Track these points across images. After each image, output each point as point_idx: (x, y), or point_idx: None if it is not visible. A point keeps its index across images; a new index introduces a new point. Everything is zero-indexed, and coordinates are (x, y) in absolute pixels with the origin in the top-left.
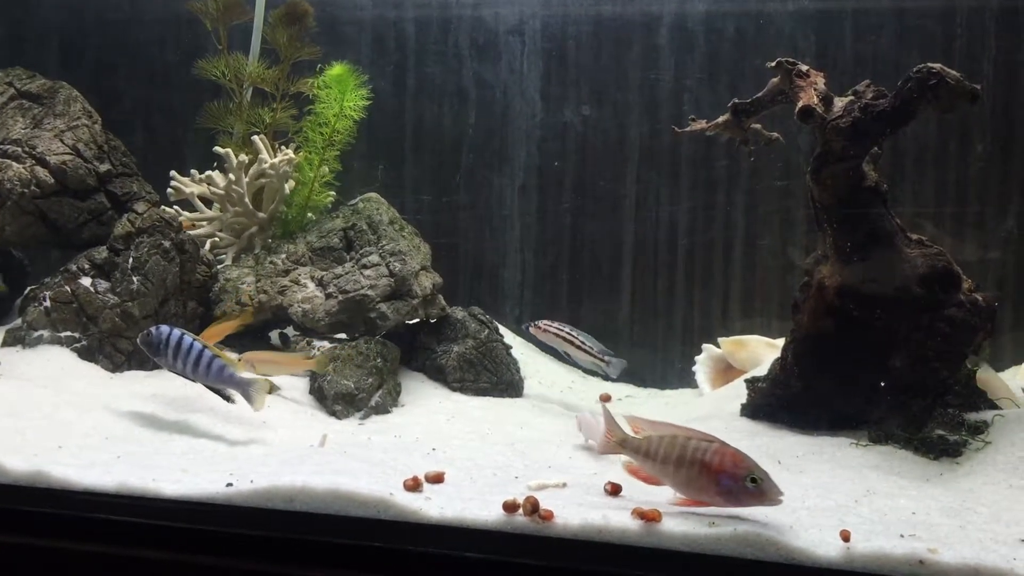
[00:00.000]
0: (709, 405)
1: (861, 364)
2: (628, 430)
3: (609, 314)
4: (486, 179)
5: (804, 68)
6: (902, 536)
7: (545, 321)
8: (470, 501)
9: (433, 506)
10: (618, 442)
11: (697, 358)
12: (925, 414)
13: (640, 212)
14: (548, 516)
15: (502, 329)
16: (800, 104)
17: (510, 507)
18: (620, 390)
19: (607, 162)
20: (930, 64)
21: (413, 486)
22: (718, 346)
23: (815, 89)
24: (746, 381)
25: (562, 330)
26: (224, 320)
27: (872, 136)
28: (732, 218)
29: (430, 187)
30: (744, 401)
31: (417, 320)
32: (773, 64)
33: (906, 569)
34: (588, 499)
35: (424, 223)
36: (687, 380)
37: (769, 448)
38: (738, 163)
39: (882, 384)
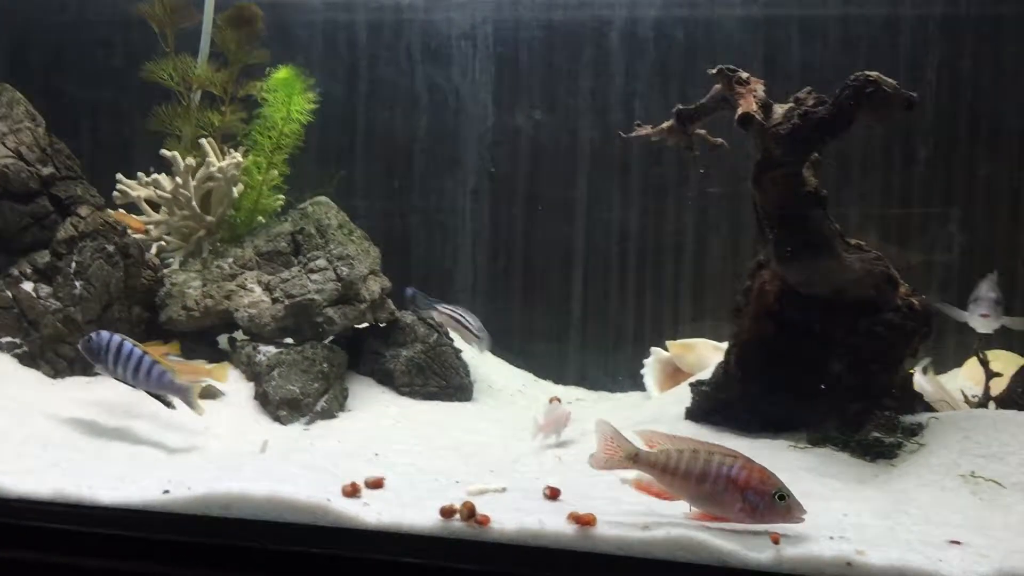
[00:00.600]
0: (655, 408)
1: (801, 367)
2: (641, 444)
3: (560, 317)
4: (438, 183)
5: (744, 75)
6: (831, 538)
7: (442, 304)
8: (408, 507)
9: (371, 512)
10: (628, 457)
11: (646, 361)
12: (862, 417)
13: (591, 216)
14: (484, 521)
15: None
16: (740, 111)
17: (447, 512)
18: (570, 393)
19: (559, 166)
20: (867, 72)
21: (351, 492)
22: (667, 349)
23: (755, 96)
24: (691, 384)
25: (455, 312)
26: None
27: (811, 143)
28: (683, 222)
29: (382, 191)
30: (689, 404)
31: (366, 325)
32: (714, 71)
33: (834, 571)
34: (526, 504)
35: (375, 227)
36: (636, 383)
37: None
38: (689, 168)
39: (821, 387)
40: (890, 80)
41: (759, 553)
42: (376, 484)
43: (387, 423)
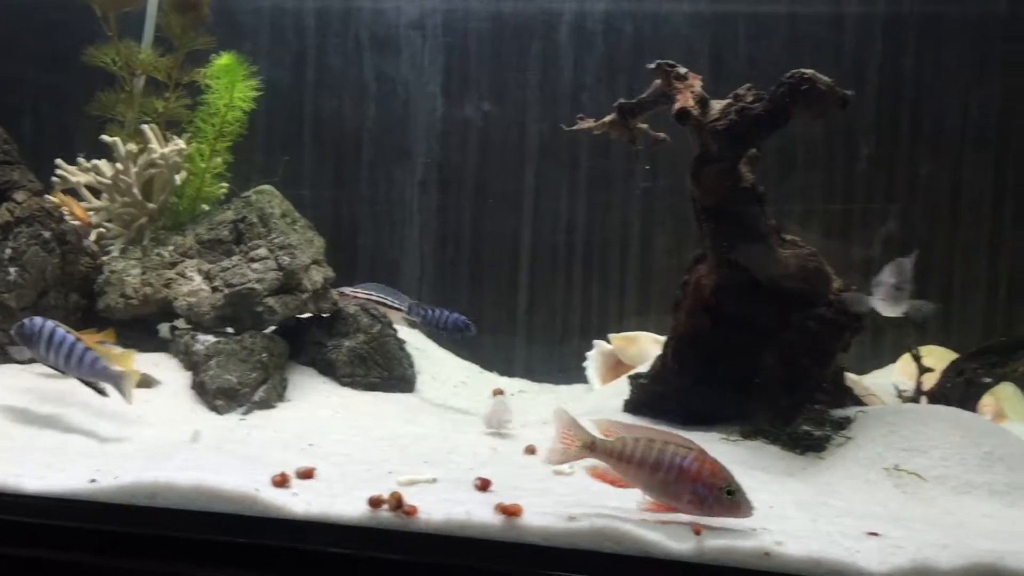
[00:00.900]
0: (595, 400)
1: (735, 361)
2: (597, 433)
3: (507, 309)
4: (386, 173)
5: (682, 71)
6: (753, 529)
7: (350, 287)
8: (337, 496)
9: (299, 502)
10: (584, 446)
11: (588, 354)
12: (793, 410)
13: (539, 208)
14: (412, 511)
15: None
16: (676, 106)
17: (375, 502)
18: (513, 385)
19: (507, 158)
20: (802, 70)
21: (281, 482)
22: (609, 342)
23: (692, 92)
24: (629, 377)
25: (370, 294)
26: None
27: (748, 139)
28: (629, 216)
29: (329, 180)
30: (627, 397)
31: (309, 315)
32: (653, 67)
33: (753, 561)
34: (456, 495)
35: (322, 216)
36: (581, 375)
37: None
38: (635, 161)
39: (754, 381)
40: (824, 78)
41: (681, 544)
42: (307, 474)
43: (325, 413)
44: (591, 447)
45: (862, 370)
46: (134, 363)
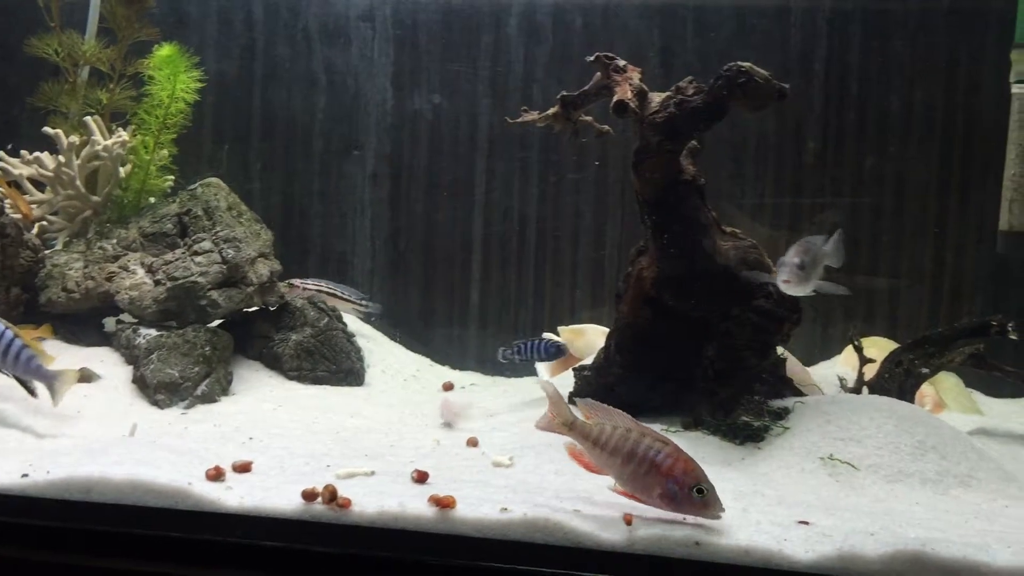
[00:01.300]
0: (541, 393)
1: (677, 353)
2: (578, 414)
3: (459, 303)
4: (336, 166)
5: (621, 63)
6: (684, 520)
7: (299, 279)
8: (272, 490)
9: (233, 495)
10: (564, 423)
11: None
12: (733, 401)
13: (490, 201)
14: (346, 504)
15: (350, 317)
16: (615, 98)
17: (309, 495)
18: (465, 378)
19: (458, 150)
20: (740, 63)
21: (215, 475)
22: (559, 335)
23: (630, 84)
24: (574, 369)
25: (320, 285)
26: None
27: (687, 131)
28: (581, 209)
29: (279, 173)
30: (572, 389)
31: (255, 308)
32: (592, 59)
33: (683, 551)
34: (393, 487)
35: (272, 210)
36: (532, 368)
37: None
38: (587, 155)
39: (694, 372)
40: (761, 71)
41: (612, 534)
42: (243, 468)
43: (268, 407)
44: (570, 426)
45: (810, 361)
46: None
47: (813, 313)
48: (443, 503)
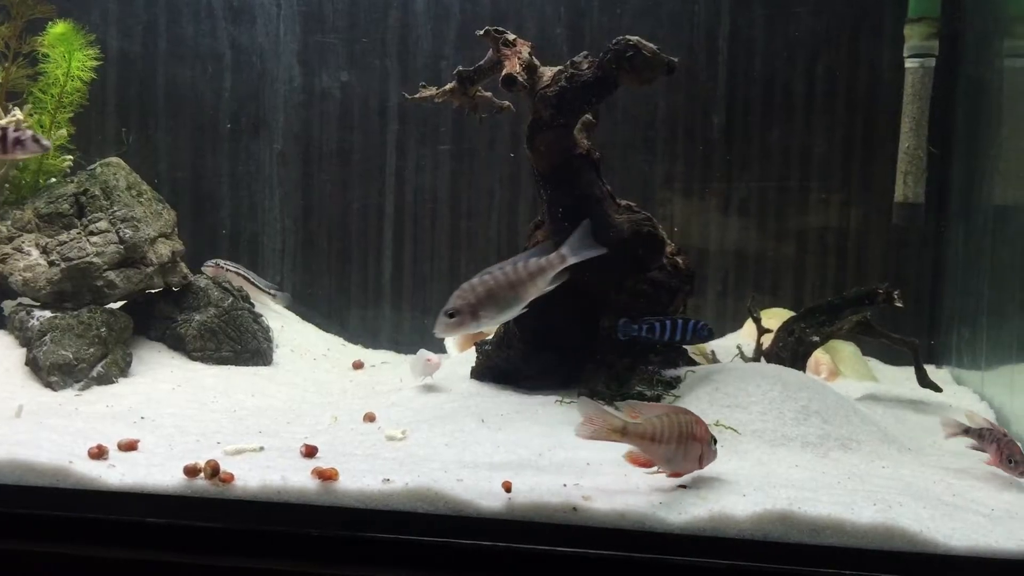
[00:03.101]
0: (447, 368)
1: (574, 325)
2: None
3: (372, 280)
4: (244, 145)
5: (511, 38)
6: (564, 485)
7: (224, 260)
8: (156, 467)
9: (115, 473)
10: (616, 431)
11: None
12: (628, 372)
13: (400, 178)
14: (228, 479)
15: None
16: (503, 72)
17: (191, 471)
18: (377, 356)
19: (367, 128)
20: (628, 36)
21: (97, 454)
22: None
23: (519, 58)
24: (476, 345)
25: (239, 269)
26: None
27: (578, 105)
28: (490, 185)
29: (187, 153)
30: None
31: (158, 289)
32: (481, 33)
33: (561, 516)
34: (280, 462)
35: (181, 190)
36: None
37: (479, 408)
38: (498, 131)
39: (591, 344)
40: (650, 44)
41: (492, 502)
42: (129, 446)
43: (166, 388)
44: (623, 431)
45: (721, 332)
46: None
47: (721, 287)
48: (325, 475)
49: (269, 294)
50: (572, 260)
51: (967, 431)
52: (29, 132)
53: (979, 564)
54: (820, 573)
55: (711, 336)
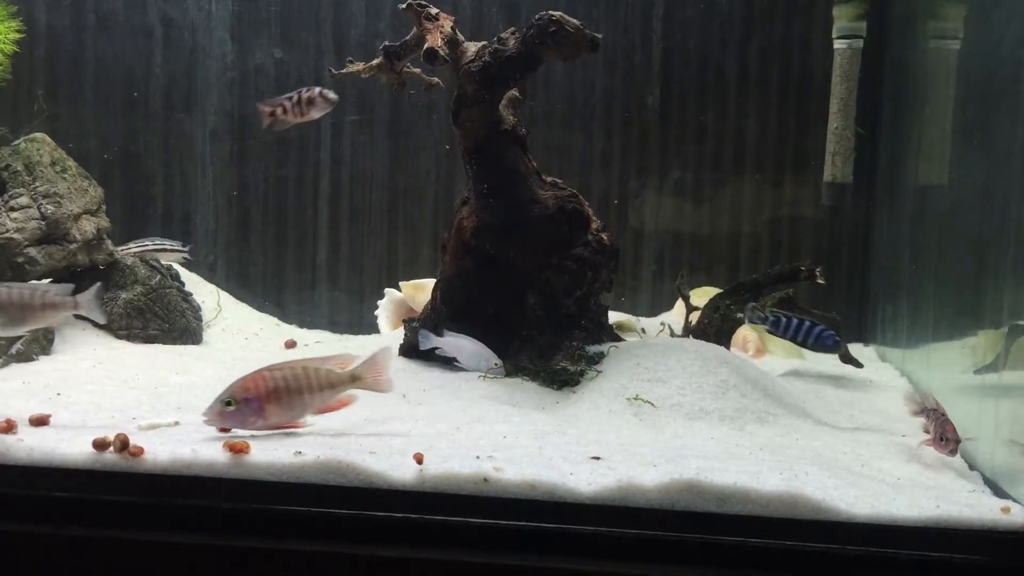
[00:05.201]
0: (376, 346)
1: (499, 302)
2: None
3: (307, 260)
4: (175, 123)
5: (434, 11)
6: (478, 457)
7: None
8: (65, 442)
9: (23, 447)
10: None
11: (379, 302)
12: (553, 347)
13: (335, 158)
14: (138, 452)
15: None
16: (425, 46)
17: (100, 444)
18: (311, 336)
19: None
20: (551, 12)
21: (6, 428)
22: (401, 290)
23: (441, 32)
24: (404, 322)
25: (144, 244)
26: None
27: (502, 80)
28: (424, 165)
29: (117, 130)
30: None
31: (83, 267)
32: (404, 6)
33: (472, 487)
34: (193, 436)
35: (111, 168)
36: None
37: (401, 384)
38: (434, 109)
39: (516, 320)
40: (573, 20)
41: (403, 473)
42: (40, 421)
43: (87, 365)
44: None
45: (655, 311)
46: None
47: (655, 266)
48: (236, 448)
49: (179, 251)
50: (82, 312)
51: (923, 410)
52: (317, 89)
53: (879, 531)
54: (726, 542)
55: (836, 347)
